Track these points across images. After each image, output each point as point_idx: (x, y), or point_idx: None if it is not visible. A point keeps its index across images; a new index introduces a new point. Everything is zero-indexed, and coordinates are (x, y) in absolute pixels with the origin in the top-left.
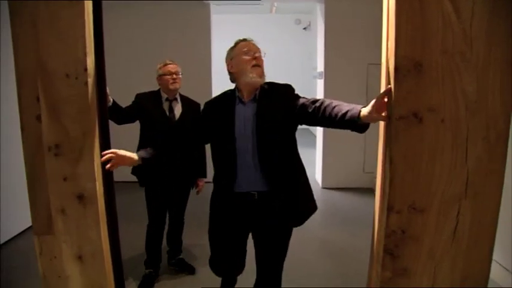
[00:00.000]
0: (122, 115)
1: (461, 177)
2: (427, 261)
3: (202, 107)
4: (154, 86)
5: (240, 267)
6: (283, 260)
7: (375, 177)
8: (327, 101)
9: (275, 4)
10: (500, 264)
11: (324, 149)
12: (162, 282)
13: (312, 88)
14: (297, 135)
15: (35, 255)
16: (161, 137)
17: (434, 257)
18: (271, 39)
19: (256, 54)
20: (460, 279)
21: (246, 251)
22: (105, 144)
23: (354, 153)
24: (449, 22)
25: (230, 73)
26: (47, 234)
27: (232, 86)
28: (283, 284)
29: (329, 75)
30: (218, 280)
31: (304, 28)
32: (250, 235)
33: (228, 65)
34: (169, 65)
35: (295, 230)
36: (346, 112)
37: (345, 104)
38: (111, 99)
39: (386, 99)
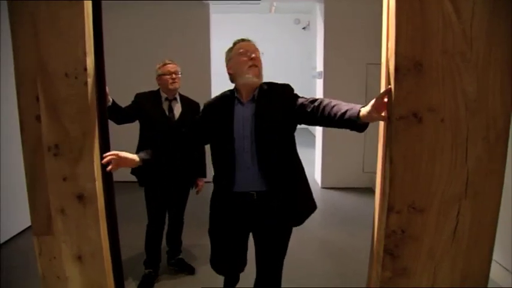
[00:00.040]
0: (122, 115)
1: (461, 177)
2: (427, 261)
3: (201, 106)
4: (153, 86)
5: (240, 265)
6: (283, 259)
7: (375, 177)
8: (326, 101)
9: (274, 4)
10: (500, 264)
11: (323, 148)
12: (161, 282)
13: (311, 88)
14: (296, 134)
15: (34, 255)
16: (161, 137)
17: (434, 257)
18: (270, 38)
19: (253, 55)
20: (460, 279)
21: (246, 249)
22: (105, 144)
23: (353, 153)
24: (450, 22)
25: (229, 74)
26: (47, 235)
27: (232, 85)
28: (282, 284)
29: (328, 75)
30: (218, 280)
31: (304, 28)
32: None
33: (226, 66)
34: (169, 65)
35: (294, 230)
36: (346, 111)
37: (344, 103)
38: (111, 99)
39: (386, 99)
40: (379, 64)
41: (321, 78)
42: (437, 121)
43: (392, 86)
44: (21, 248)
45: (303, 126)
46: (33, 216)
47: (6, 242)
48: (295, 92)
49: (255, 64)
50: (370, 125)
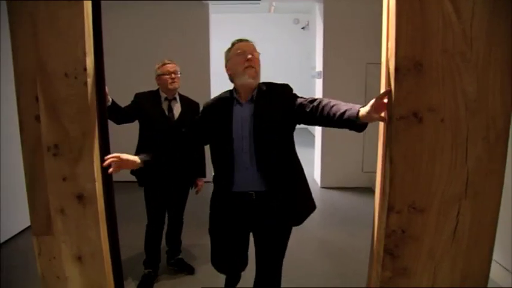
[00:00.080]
0: (121, 115)
1: (461, 177)
2: (427, 261)
3: (201, 106)
4: (153, 86)
5: (241, 264)
6: (282, 259)
7: (374, 177)
8: (325, 100)
9: (273, 4)
10: (500, 264)
11: (323, 148)
12: (161, 282)
13: (311, 88)
14: (296, 134)
15: (34, 255)
16: (160, 137)
17: (434, 257)
18: (269, 38)
19: (249, 56)
20: (460, 279)
21: (246, 249)
22: (105, 145)
23: (352, 153)
24: (450, 22)
25: (228, 74)
26: (46, 235)
27: (231, 85)
28: (282, 284)
29: (328, 74)
30: (218, 280)
31: (303, 28)
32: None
33: (225, 67)
34: (168, 65)
35: (294, 230)
36: (345, 111)
37: (343, 103)
38: (110, 99)
39: (385, 100)
40: (379, 64)
41: (320, 78)
42: (438, 121)
43: (392, 86)
44: (21, 247)
45: (302, 126)
46: (33, 216)
47: (6, 241)
48: (294, 91)
49: (252, 65)
50: (370, 124)
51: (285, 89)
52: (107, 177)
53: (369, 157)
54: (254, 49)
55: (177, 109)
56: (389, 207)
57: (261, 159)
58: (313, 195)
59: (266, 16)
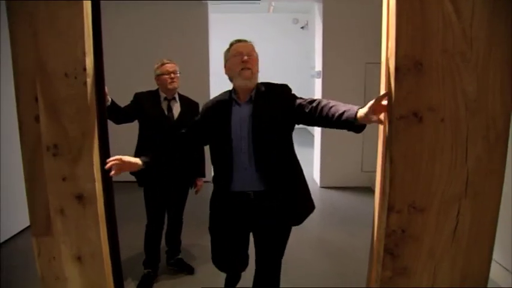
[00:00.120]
0: (121, 115)
1: (461, 177)
2: (427, 261)
3: (200, 106)
4: (152, 86)
5: (241, 264)
6: (281, 258)
7: (374, 176)
8: (324, 101)
9: (273, 3)
10: (500, 264)
11: (322, 148)
12: (161, 282)
13: (310, 87)
14: (295, 134)
15: (34, 255)
16: (160, 137)
17: (434, 257)
18: (268, 38)
19: (245, 57)
20: (460, 279)
21: (246, 248)
22: (104, 145)
23: (352, 152)
24: (450, 22)
25: (227, 75)
26: (46, 235)
27: (231, 85)
28: (281, 284)
29: (327, 74)
30: (218, 280)
31: (302, 27)
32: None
33: (224, 67)
34: (167, 64)
35: (293, 230)
36: (343, 112)
37: (342, 104)
38: (110, 99)
39: (383, 102)
40: (378, 63)
41: (319, 77)
42: (438, 121)
43: (392, 85)
44: (21, 247)
45: (301, 125)
46: (32, 216)
47: (6, 241)
48: (293, 92)
49: (248, 67)
50: (369, 124)
51: (284, 89)
52: (106, 178)
53: (369, 157)
54: (252, 49)
55: (176, 109)
56: (389, 207)
57: (259, 160)
58: (313, 195)
59: (265, 16)
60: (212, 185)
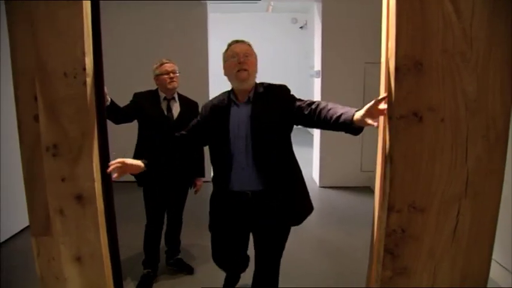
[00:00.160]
0: (120, 115)
1: (461, 177)
2: (427, 261)
3: (200, 106)
4: (151, 86)
5: (241, 263)
6: (280, 258)
7: (373, 176)
8: (323, 104)
9: (271, 3)
10: (500, 264)
11: (321, 147)
12: (160, 282)
13: (309, 87)
14: (294, 134)
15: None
16: (159, 137)
17: (434, 256)
18: (267, 38)
19: (241, 59)
20: (460, 279)
21: (246, 247)
22: (104, 145)
23: (351, 152)
24: (450, 22)
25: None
26: (45, 235)
27: (229, 85)
28: (280, 284)
29: (326, 73)
30: (217, 280)
31: (301, 27)
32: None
33: (223, 69)
34: (166, 64)
35: (292, 229)
36: (341, 115)
37: (340, 106)
38: (109, 99)
39: (380, 106)
40: (377, 63)
41: (318, 77)
42: (438, 121)
43: (392, 85)
44: (21, 247)
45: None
46: (32, 216)
47: (6, 240)
48: (292, 92)
49: (244, 68)
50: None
51: (283, 90)
52: (106, 178)
53: (368, 156)
54: (249, 50)
55: (176, 109)
56: (389, 207)
57: (257, 160)
58: (312, 195)
59: (264, 15)
60: (211, 185)
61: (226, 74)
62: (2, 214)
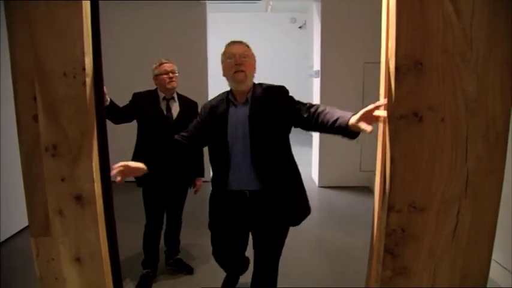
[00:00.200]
0: (120, 114)
1: (461, 177)
2: (427, 260)
3: (199, 106)
4: (150, 85)
5: (240, 265)
6: (278, 257)
7: (372, 176)
8: (322, 107)
9: (270, 3)
10: (500, 264)
11: (321, 147)
12: (160, 282)
13: (308, 87)
14: (294, 133)
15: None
16: (159, 137)
17: (434, 256)
18: (266, 38)
19: (238, 61)
20: (460, 278)
21: (245, 247)
22: (103, 145)
23: (350, 152)
24: (450, 22)
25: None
26: (44, 236)
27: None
28: (279, 284)
29: (325, 73)
30: (217, 280)
31: (300, 27)
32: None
33: (222, 69)
34: (165, 64)
35: (291, 229)
36: (337, 119)
37: (339, 110)
38: (109, 99)
39: (376, 113)
40: (376, 63)
41: (317, 77)
42: (438, 120)
43: (392, 85)
44: (21, 247)
45: None
46: (31, 217)
47: (6, 240)
48: (291, 92)
49: (241, 69)
50: None
51: (281, 90)
52: (105, 178)
53: (367, 156)
54: (246, 50)
55: (175, 109)
56: (389, 207)
57: (255, 160)
58: (311, 195)
59: (263, 15)
60: (211, 184)
61: (224, 75)
62: (2, 214)
